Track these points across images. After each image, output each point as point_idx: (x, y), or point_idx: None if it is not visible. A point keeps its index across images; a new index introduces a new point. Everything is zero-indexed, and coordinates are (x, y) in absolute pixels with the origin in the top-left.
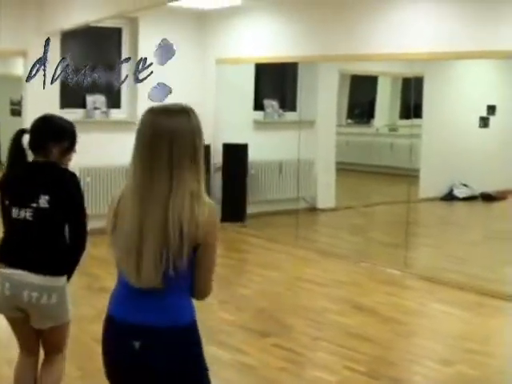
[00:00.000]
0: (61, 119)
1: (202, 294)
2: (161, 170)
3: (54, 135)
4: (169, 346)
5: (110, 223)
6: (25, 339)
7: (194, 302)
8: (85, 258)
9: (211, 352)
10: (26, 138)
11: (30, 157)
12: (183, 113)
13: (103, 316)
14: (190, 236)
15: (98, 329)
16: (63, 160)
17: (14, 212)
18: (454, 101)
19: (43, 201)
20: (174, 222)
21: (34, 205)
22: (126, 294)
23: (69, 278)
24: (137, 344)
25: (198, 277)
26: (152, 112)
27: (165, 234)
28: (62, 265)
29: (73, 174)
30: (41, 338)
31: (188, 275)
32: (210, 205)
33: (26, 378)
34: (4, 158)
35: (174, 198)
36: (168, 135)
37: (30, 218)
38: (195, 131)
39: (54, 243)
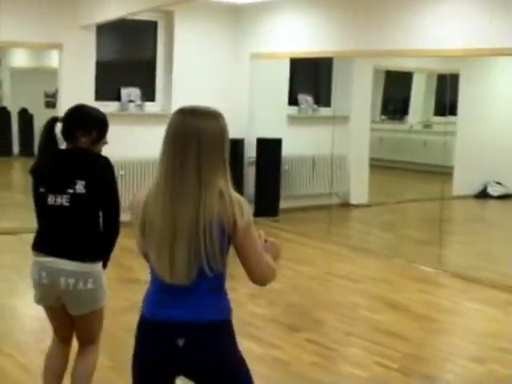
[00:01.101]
0: (92, 109)
1: (262, 280)
2: (190, 170)
3: (82, 125)
4: (212, 341)
5: (138, 228)
6: (60, 327)
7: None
8: (116, 249)
9: (243, 345)
10: (58, 127)
11: (63, 146)
12: (212, 115)
13: (134, 307)
14: (225, 234)
15: (129, 320)
16: (95, 149)
17: (50, 199)
18: (490, 98)
19: (80, 186)
20: (206, 222)
21: (71, 191)
22: (161, 295)
23: (105, 263)
24: (181, 341)
25: (250, 266)
26: (182, 112)
27: (197, 233)
28: (97, 251)
29: (106, 159)
30: (75, 327)
31: (222, 272)
32: (242, 202)
33: (56, 365)
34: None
35: (205, 198)
36: (196, 135)
37: (67, 204)
38: (223, 132)
39: (90, 229)
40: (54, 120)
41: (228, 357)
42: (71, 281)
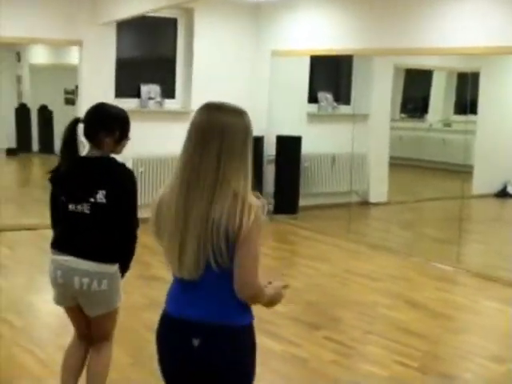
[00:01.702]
0: (113, 108)
1: (241, 289)
2: (209, 165)
3: (105, 126)
4: (224, 343)
5: (152, 225)
6: (79, 326)
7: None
8: (136, 247)
9: (262, 343)
10: (80, 128)
11: (85, 148)
12: (237, 112)
13: (154, 304)
14: (229, 235)
15: (149, 316)
16: (117, 149)
17: (71, 206)
18: (511, 97)
19: (100, 196)
20: (215, 222)
21: (92, 200)
22: (175, 290)
23: (123, 271)
24: (196, 342)
25: (237, 269)
26: (208, 107)
27: (206, 230)
28: (113, 253)
29: (126, 168)
30: (90, 326)
31: (232, 271)
32: (253, 207)
33: (74, 361)
34: (58, 148)
35: (218, 196)
36: (220, 131)
37: (88, 212)
38: (247, 131)
39: (108, 234)
40: (76, 121)
41: (235, 361)
42: (85, 280)
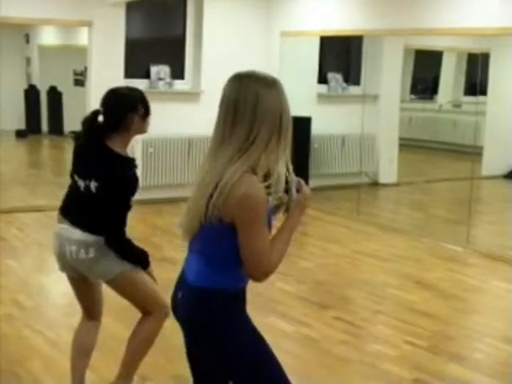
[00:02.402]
0: (127, 88)
1: (249, 274)
2: (240, 133)
3: (130, 105)
4: (193, 303)
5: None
6: (83, 300)
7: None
8: (147, 227)
9: (272, 323)
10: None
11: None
12: (272, 82)
13: (166, 285)
14: (218, 207)
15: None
16: (144, 126)
17: (76, 177)
18: None
19: (93, 186)
20: (216, 196)
21: (87, 182)
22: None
23: (124, 256)
24: (179, 294)
25: (242, 257)
26: (239, 76)
27: (209, 197)
28: (100, 226)
29: (128, 167)
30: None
31: (222, 246)
32: (249, 194)
33: (83, 341)
34: (67, 130)
35: (230, 167)
36: (253, 100)
37: (82, 190)
38: (282, 105)
39: (94, 210)
40: (96, 113)
41: (204, 323)
42: (73, 248)
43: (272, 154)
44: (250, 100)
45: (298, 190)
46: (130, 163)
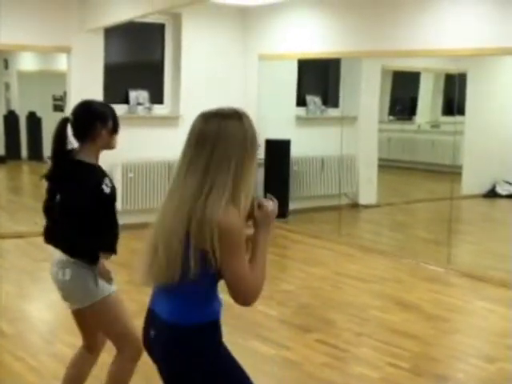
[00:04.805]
0: (101, 103)
1: (239, 302)
2: (197, 171)
3: (99, 116)
4: (170, 343)
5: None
6: (82, 332)
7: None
8: (126, 252)
9: (254, 347)
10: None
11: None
12: (235, 116)
13: (145, 310)
14: (197, 239)
15: (139, 323)
16: (112, 142)
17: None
18: (498, 98)
19: (57, 201)
20: (187, 224)
21: (56, 200)
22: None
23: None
24: (152, 333)
25: (226, 284)
26: (203, 116)
27: (171, 243)
28: (71, 247)
29: (98, 183)
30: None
31: (199, 281)
32: (228, 213)
33: (75, 370)
34: (47, 155)
35: (199, 201)
36: (213, 138)
37: (56, 209)
38: (247, 136)
39: (66, 229)
40: (65, 120)
41: (181, 369)
42: (54, 269)
43: (241, 180)
44: (212, 136)
45: (259, 206)
46: (94, 170)
